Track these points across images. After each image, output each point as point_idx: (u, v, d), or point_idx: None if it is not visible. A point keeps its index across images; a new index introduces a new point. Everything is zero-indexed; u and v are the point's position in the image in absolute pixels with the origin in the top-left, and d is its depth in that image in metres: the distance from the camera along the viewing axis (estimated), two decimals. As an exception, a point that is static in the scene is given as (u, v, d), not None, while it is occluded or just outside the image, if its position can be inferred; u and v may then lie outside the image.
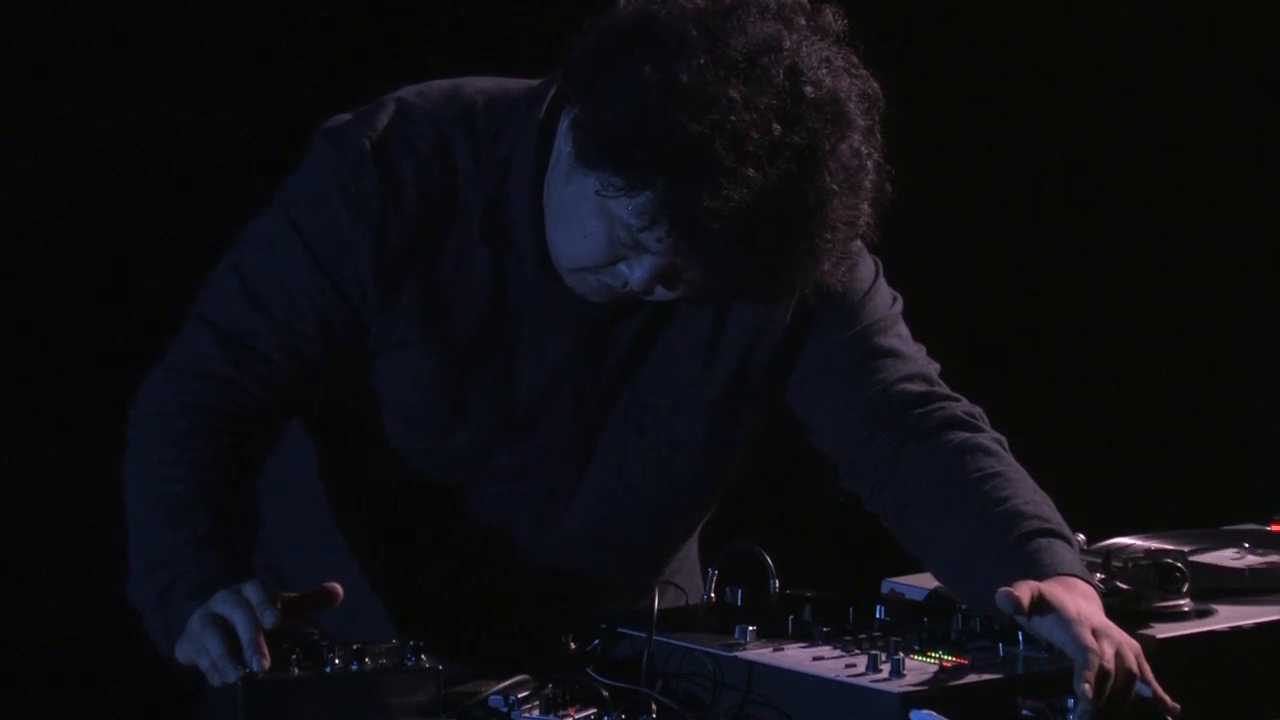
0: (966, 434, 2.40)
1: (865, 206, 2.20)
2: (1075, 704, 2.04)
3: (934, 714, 1.99)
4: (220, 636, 2.10)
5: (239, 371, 2.32)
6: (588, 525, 2.45)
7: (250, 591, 2.13)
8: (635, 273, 2.22)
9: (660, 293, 2.26)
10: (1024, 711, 2.05)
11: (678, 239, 2.16)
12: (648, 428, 2.41)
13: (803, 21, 2.18)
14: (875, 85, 2.21)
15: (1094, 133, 4.52)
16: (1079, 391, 4.57)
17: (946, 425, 2.41)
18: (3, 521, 3.64)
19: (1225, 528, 2.80)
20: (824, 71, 2.16)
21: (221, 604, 2.13)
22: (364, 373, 2.37)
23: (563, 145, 2.24)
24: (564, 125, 2.24)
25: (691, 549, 2.66)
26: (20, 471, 3.63)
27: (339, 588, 2.20)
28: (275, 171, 2.41)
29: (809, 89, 2.14)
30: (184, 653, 2.15)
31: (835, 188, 2.15)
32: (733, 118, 2.09)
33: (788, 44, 2.14)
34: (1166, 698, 2.11)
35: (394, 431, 2.39)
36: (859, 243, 2.32)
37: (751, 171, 2.10)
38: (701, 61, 2.11)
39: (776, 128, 2.11)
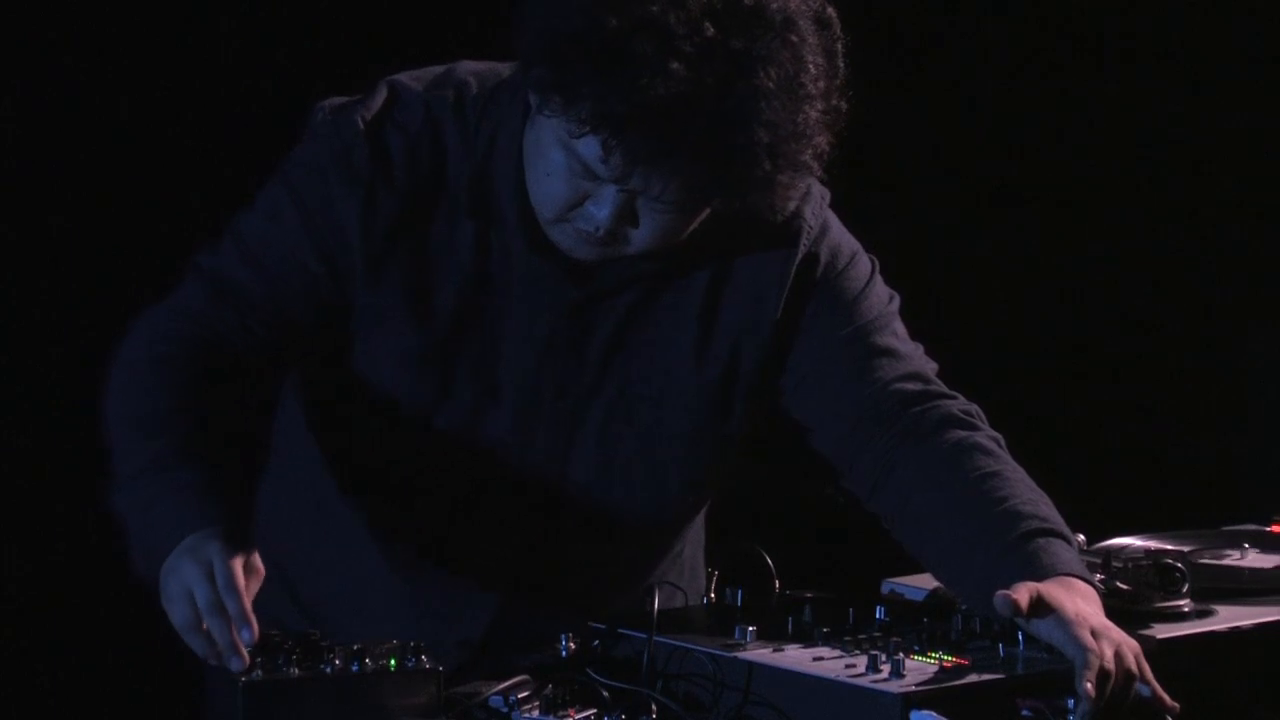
0: (964, 433, 2.40)
1: (813, 114, 2.21)
2: (1075, 704, 2.04)
3: (934, 714, 1.99)
4: (203, 640, 2.13)
5: (223, 316, 2.37)
6: (576, 508, 2.45)
7: (229, 601, 2.13)
8: (600, 210, 2.24)
9: (637, 240, 2.27)
10: (1024, 712, 2.05)
11: (613, 147, 2.18)
12: (636, 417, 2.42)
13: None
14: (831, 11, 2.25)
15: (1100, 133, 4.52)
16: (1079, 392, 4.57)
17: (943, 424, 2.41)
18: (2, 521, 3.64)
19: (1225, 528, 2.81)
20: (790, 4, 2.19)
21: (201, 597, 2.13)
22: (353, 352, 2.40)
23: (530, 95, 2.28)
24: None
25: (688, 551, 2.65)
26: (20, 472, 3.63)
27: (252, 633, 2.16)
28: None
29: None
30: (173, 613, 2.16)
31: (772, 87, 2.17)
32: (654, 9, 2.13)
33: None
34: (1166, 697, 2.11)
35: (384, 410, 2.41)
36: (817, 186, 2.40)
37: (677, 67, 2.13)
38: None
39: (709, 28, 2.14)
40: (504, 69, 2.40)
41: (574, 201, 2.26)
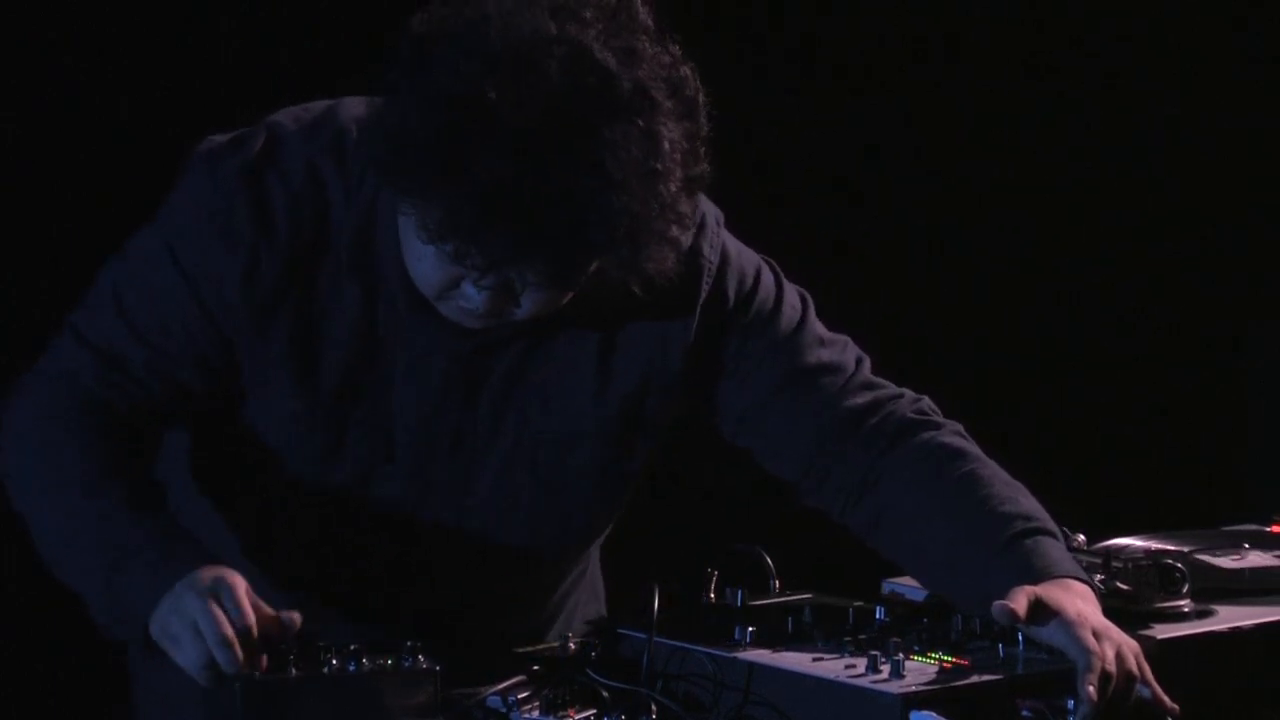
0: (928, 434, 2.39)
1: (671, 188, 2.14)
2: (1075, 705, 2.04)
3: (934, 715, 1.99)
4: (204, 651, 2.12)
5: (109, 389, 2.32)
6: (475, 553, 2.42)
7: (231, 610, 2.12)
8: (477, 295, 2.20)
9: (521, 313, 2.23)
10: (1024, 712, 2.05)
11: (466, 252, 2.13)
12: (536, 461, 2.38)
13: (590, 14, 2.13)
14: (686, 69, 2.18)
15: (1099, 134, 4.52)
16: (1080, 392, 4.57)
17: (905, 429, 2.39)
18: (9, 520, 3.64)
19: (1225, 528, 2.80)
20: (611, 59, 2.11)
21: (203, 622, 2.12)
22: (241, 410, 2.36)
23: None
24: None
25: (591, 567, 2.65)
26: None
27: (296, 617, 2.16)
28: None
29: (590, 78, 2.10)
30: (184, 659, 2.14)
31: (621, 177, 2.09)
32: (491, 114, 2.06)
33: (566, 35, 2.10)
34: (1166, 699, 2.11)
35: (274, 468, 2.37)
36: (711, 208, 2.36)
37: (521, 171, 2.06)
38: (458, 63, 2.08)
39: (551, 122, 2.07)
40: None
41: (450, 284, 2.21)
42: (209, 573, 2.16)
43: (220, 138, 2.34)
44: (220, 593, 2.13)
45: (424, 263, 2.21)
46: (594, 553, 2.65)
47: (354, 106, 2.34)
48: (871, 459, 2.38)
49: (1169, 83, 4.50)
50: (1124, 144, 4.52)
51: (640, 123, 2.11)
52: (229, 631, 2.11)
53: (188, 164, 2.33)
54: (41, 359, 2.38)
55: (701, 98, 2.19)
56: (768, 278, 2.44)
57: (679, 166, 2.15)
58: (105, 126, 3.62)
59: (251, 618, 2.12)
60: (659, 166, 2.12)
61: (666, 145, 2.13)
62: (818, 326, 2.45)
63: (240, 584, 2.15)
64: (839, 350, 2.45)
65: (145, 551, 2.20)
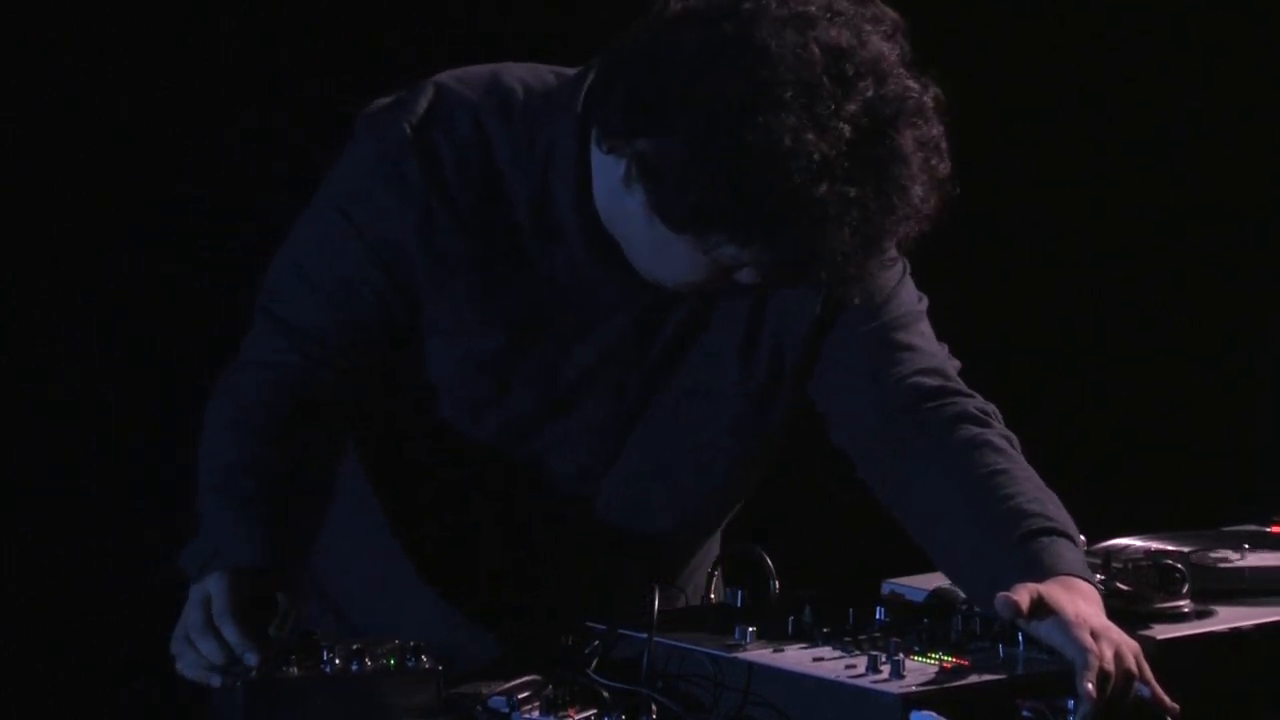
0: (976, 429, 2.40)
1: (940, 171, 2.26)
2: (1075, 705, 2.05)
3: (934, 715, 1.99)
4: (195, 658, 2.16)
5: (307, 361, 2.35)
6: (615, 505, 2.46)
7: (229, 633, 2.14)
8: (746, 277, 2.26)
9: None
10: (1024, 712, 2.05)
11: (781, 277, 2.24)
12: (683, 413, 2.43)
13: (811, 8, 2.18)
14: (880, 5, 2.24)
15: (1118, 129, 4.51)
16: (1080, 391, 4.57)
17: (957, 420, 2.41)
18: (10, 520, 3.64)
19: (1225, 528, 2.80)
20: (846, 36, 2.17)
21: (198, 637, 2.15)
22: (412, 359, 2.39)
23: (613, 168, 2.24)
24: (605, 153, 2.25)
25: (714, 547, 2.66)
26: (19, 472, 3.63)
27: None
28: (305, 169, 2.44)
29: (847, 66, 2.15)
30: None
31: (916, 154, 2.19)
32: (810, 161, 2.11)
33: (820, 42, 2.15)
34: (1165, 698, 2.11)
35: (430, 408, 2.41)
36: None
37: (838, 194, 2.13)
38: (759, 113, 2.11)
39: (853, 136, 2.14)
40: (549, 76, 2.37)
41: (710, 284, 2.27)
42: (216, 578, 2.18)
43: (383, 100, 2.37)
44: (217, 617, 2.16)
45: (695, 270, 2.25)
46: (718, 537, 2.67)
47: (517, 70, 2.37)
48: (918, 441, 2.40)
49: (1191, 77, 4.49)
50: (1146, 138, 4.51)
51: (911, 94, 2.20)
52: (228, 656, 2.14)
53: (354, 130, 2.36)
54: (241, 351, 2.40)
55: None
56: (896, 265, 2.48)
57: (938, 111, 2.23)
58: (105, 126, 3.62)
59: (239, 629, 2.14)
60: (931, 130, 2.22)
61: (928, 101, 2.22)
62: (924, 322, 2.49)
63: (234, 599, 2.16)
64: (934, 345, 2.49)
65: (229, 527, 2.23)
